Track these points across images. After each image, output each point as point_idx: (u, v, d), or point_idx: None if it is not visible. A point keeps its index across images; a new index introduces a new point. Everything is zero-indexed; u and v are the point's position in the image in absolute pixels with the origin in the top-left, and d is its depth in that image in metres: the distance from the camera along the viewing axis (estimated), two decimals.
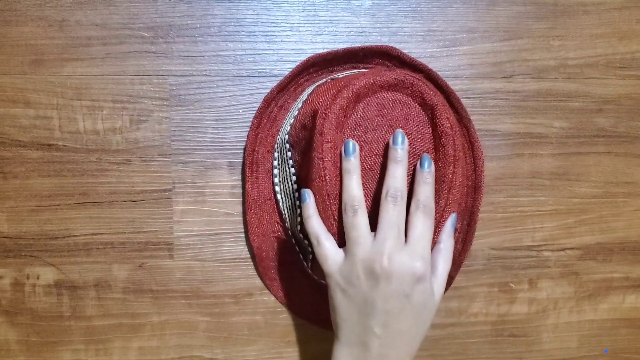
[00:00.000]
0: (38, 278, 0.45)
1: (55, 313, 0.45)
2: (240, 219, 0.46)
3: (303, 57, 0.44)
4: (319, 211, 0.38)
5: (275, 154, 0.45)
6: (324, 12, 0.45)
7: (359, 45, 0.45)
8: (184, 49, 0.44)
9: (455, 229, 0.40)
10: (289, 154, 0.43)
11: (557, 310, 0.49)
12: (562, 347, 0.49)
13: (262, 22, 0.45)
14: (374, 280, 0.35)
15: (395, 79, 0.38)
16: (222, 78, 0.45)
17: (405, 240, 0.35)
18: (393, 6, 0.45)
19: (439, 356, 0.49)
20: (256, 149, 0.45)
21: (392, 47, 0.44)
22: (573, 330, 0.49)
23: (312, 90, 0.43)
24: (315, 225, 0.38)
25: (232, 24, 0.44)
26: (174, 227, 0.45)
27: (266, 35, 0.45)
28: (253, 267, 0.46)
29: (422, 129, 0.38)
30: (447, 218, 0.38)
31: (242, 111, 0.45)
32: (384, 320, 0.35)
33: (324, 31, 0.45)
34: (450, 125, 0.38)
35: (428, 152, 0.38)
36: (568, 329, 0.49)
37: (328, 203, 0.37)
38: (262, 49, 0.45)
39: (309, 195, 0.38)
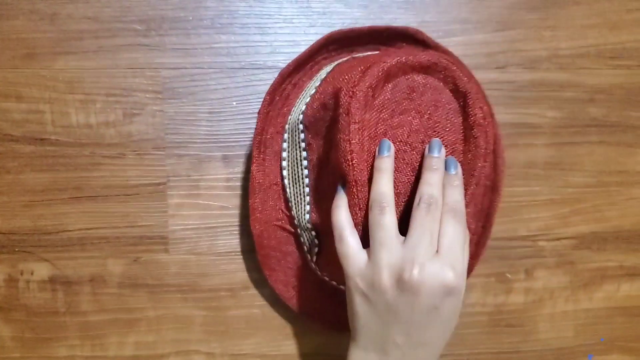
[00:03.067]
0: (32, 274, 0.44)
1: (50, 309, 0.45)
2: (236, 212, 0.45)
3: (297, 49, 0.44)
4: None
5: (286, 136, 0.42)
6: (317, 3, 0.45)
7: (384, 25, 0.44)
8: (176, 41, 0.44)
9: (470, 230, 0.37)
10: (302, 135, 0.41)
11: (553, 300, 0.49)
12: (558, 337, 0.50)
13: (255, 14, 0.45)
14: (401, 290, 0.32)
15: (429, 60, 0.36)
16: (216, 70, 0.44)
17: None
18: None
19: None
20: (265, 128, 0.42)
21: (418, 30, 0.43)
22: (569, 320, 0.50)
23: (333, 68, 0.41)
24: (342, 217, 0.35)
25: (225, 16, 0.44)
26: (169, 221, 0.45)
27: (259, 27, 0.45)
28: (250, 260, 0.46)
29: (451, 117, 0.36)
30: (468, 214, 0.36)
31: (236, 103, 0.45)
32: (407, 330, 0.33)
33: (317, 23, 0.45)
34: (484, 116, 0.36)
35: (457, 143, 0.36)
36: (564, 318, 0.50)
37: (355, 190, 0.34)
38: (255, 41, 0.45)
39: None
